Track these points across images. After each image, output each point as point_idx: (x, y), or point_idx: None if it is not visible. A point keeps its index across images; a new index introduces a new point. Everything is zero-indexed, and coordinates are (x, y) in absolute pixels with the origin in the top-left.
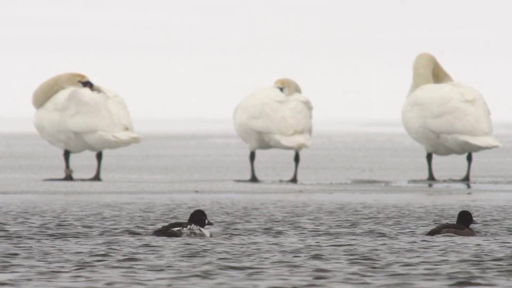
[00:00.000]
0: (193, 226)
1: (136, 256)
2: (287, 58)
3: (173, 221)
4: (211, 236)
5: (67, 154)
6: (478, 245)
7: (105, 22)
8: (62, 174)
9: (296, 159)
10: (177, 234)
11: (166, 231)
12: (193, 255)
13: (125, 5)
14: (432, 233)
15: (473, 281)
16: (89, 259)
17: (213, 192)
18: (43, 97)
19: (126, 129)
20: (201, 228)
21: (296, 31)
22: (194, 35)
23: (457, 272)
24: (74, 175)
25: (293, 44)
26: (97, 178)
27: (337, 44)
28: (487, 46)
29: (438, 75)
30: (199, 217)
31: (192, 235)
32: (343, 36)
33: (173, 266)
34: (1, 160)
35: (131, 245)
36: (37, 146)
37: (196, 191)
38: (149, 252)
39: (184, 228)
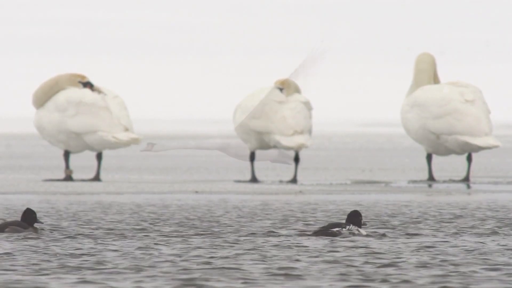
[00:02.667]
0: (351, 227)
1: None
2: (286, 58)
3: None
4: (367, 236)
5: (67, 154)
6: None
7: (105, 22)
8: (62, 175)
9: (296, 159)
10: (336, 234)
11: (326, 232)
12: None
13: (125, 6)
14: None
15: None
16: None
17: (213, 192)
18: (43, 97)
19: (126, 129)
20: (359, 229)
21: (296, 32)
22: (194, 35)
23: None
24: (74, 176)
25: (293, 44)
26: (97, 178)
27: (336, 44)
28: (487, 46)
29: (434, 79)
30: (356, 217)
31: (351, 235)
32: (343, 36)
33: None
34: (1, 160)
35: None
36: (37, 147)
37: (196, 192)
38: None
39: (343, 229)
